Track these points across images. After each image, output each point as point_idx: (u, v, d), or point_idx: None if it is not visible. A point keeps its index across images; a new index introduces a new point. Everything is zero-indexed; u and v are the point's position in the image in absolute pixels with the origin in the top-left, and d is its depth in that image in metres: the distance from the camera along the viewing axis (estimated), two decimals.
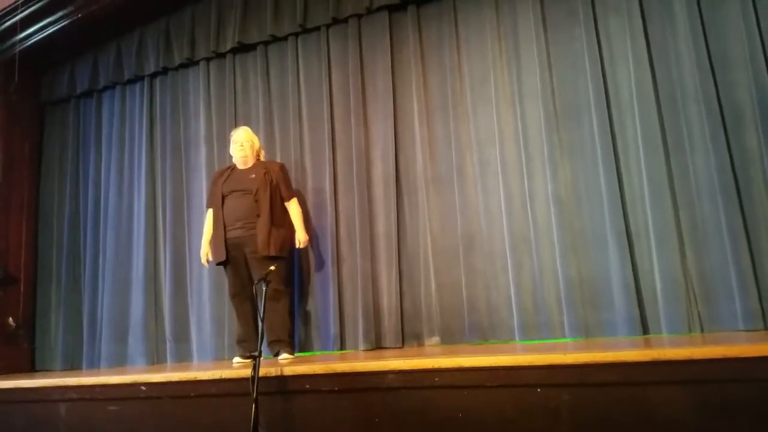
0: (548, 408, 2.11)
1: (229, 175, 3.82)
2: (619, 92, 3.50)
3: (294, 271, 4.16)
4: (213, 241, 3.76)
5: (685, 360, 1.98)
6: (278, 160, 4.28)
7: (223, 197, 3.73)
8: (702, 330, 3.13)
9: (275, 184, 3.74)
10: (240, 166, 3.84)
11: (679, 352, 2.01)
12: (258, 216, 3.61)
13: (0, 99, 5.23)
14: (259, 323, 2.62)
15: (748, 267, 3.03)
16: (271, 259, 3.50)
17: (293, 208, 3.83)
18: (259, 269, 3.45)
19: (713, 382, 1.95)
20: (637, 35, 3.46)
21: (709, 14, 3.31)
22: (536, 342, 3.41)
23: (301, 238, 3.78)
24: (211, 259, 3.82)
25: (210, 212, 3.87)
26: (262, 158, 3.96)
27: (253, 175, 3.73)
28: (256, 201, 3.63)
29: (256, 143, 3.91)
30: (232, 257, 3.66)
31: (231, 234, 3.65)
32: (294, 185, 4.05)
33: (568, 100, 3.62)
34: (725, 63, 3.24)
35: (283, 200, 3.79)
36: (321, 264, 4.12)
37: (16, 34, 5.00)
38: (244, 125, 4.36)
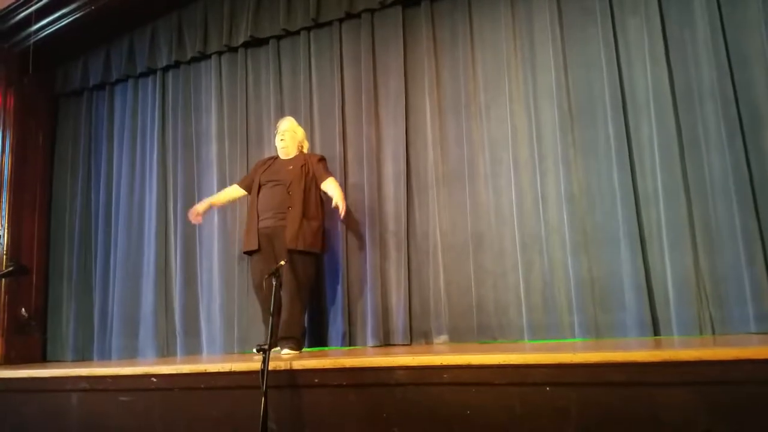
0: (556, 407, 2.10)
1: (270, 165, 3.80)
2: (635, 91, 3.47)
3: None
4: (246, 230, 3.73)
5: (695, 361, 1.97)
6: None
7: (260, 186, 3.72)
8: (713, 332, 3.10)
9: (311, 176, 3.67)
10: (282, 156, 3.82)
11: (689, 354, 1.99)
12: (290, 208, 3.57)
13: (14, 90, 5.28)
14: (277, 316, 2.61)
15: (762, 269, 3.00)
16: (299, 254, 3.48)
17: (330, 184, 3.62)
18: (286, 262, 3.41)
19: (723, 384, 1.93)
20: (654, 34, 3.43)
21: (729, 12, 3.26)
22: (545, 341, 3.39)
23: (342, 207, 3.54)
24: (199, 215, 3.81)
25: (235, 185, 3.92)
26: (305, 150, 3.92)
27: (291, 167, 3.69)
28: (290, 193, 3.60)
29: (299, 134, 3.86)
30: (262, 247, 3.62)
31: (262, 224, 3.62)
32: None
33: (583, 100, 3.59)
34: (744, 62, 3.20)
35: (319, 193, 3.69)
36: (330, 260, 4.11)
37: (30, 25, 5.04)
38: (255, 120, 4.41)
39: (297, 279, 3.50)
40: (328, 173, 3.74)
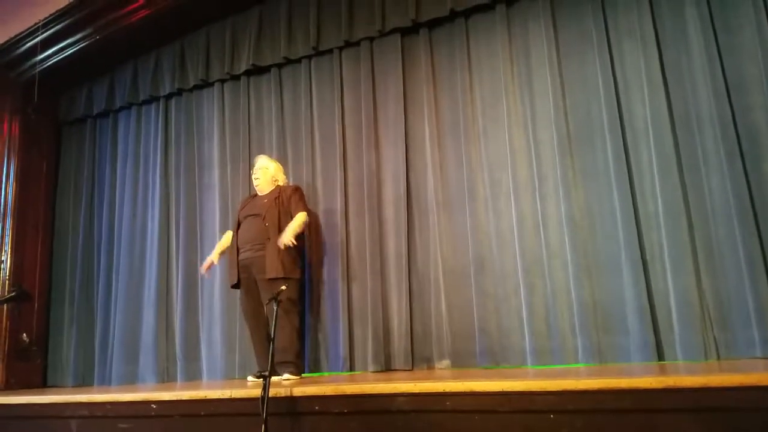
0: None
1: (249, 202, 3.95)
2: (633, 115, 3.49)
3: (304, 292, 4.15)
4: (228, 264, 3.88)
5: (700, 388, 1.95)
6: (291, 182, 4.30)
7: (240, 222, 3.85)
8: (718, 357, 3.07)
9: (286, 206, 3.78)
10: (259, 192, 3.95)
11: (694, 380, 1.97)
12: (268, 239, 3.65)
13: (19, 119, 5.35)
14: (270, 344, 2.61)
15: (765, 292, 2.97)
16: (280, 281, 3.50)
17: (298, 217, 3.71)
18: (268, 291, 3.50)
19: (729, 411, 1.91)
20: (651, 59, 3.46)
21: (724, 38, 3.30)
22: (549, 367, 3.36)
23: (284, 239, 3.54)
24: (209, 268, 3.98)
25: (229, 232, 4.04)
26: (281, 183, 4.00)
27: (266, 200, 3.82)
28: (266, 224, 3.69)
29: (270, 170, 3.96)
30: (243, 279, 3.74)
31: (241, 256, 3.75)
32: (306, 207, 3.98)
33: (581, 124, 3.61)
34: (741, 86, 3.22)
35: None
36: (331, 285, 4.11)
37: (36, 55, 5.12)
38: (257, 147, 4.48)
39: (283, 304, 3.47)
40: (301, 206, 3.80)
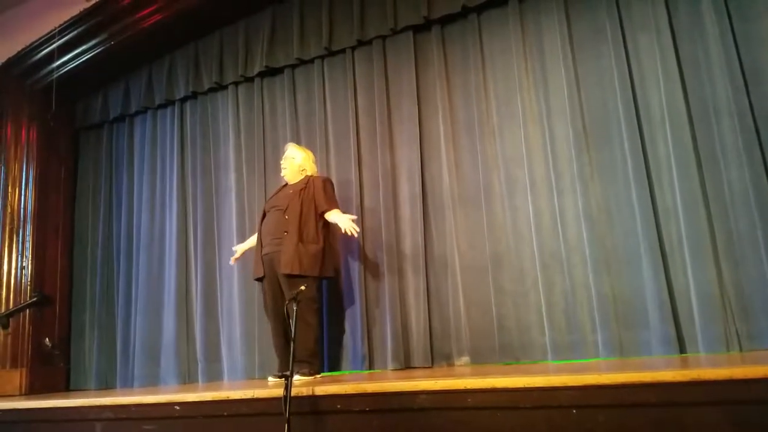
0: (584, 430, 2.07)
1: (276, 193, 3.88)
2: (649, 108, 3.46)
3: (323, 291, 4.17)
4: (254, 257, 3.79)
5: (724, 380, 1.93)
6: None
7: (265, 214, 3.78)
8: (740, 348, 3.04)
9: (311, 198, 3.64)
10: (287, 182, 3.87)
11: (718, 372, 1.95)
12: (286, 232, 3.55)
13: (37, 125, 5.42)
14: (291, 344, 2.61)
15: None
16: (298, 278, 3.42)
17: (333, 215, 3.59)
18: (287, 286, 3.46)
19: (754, 404, 1.89)
20: (666, 50, 3.43)
21: (741, 27, 3.26)
22: (569, 362, 3.35)
23: (345, 225, 3.44)
24: (236, 257, 4.02)
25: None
26: (311, 173, 3.88)
27: (291, 191, 3.72)
28: (286, 217, 3.59)
29: (297, 160, 3.84)
30: (266, 272, 3.65)
31: (264, 250, 3.66)
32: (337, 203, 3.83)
33: (597, 118, 3.59)
34: (759, 75, 3.18)
35: (317, 216, 3.64)
36: (349, 283, 4.13)
37: (53, 61, 5.19)
38: (272, 148, 4.50)
39: (298, 303, 3.42)
40: (331, 203, 3.67)
